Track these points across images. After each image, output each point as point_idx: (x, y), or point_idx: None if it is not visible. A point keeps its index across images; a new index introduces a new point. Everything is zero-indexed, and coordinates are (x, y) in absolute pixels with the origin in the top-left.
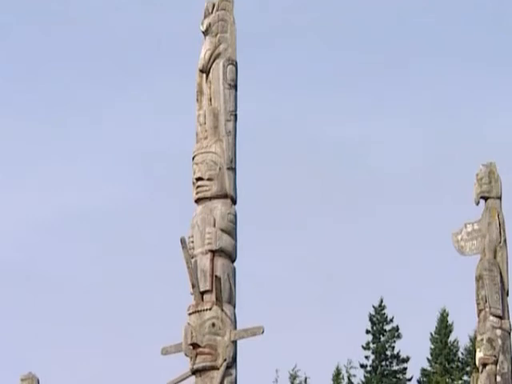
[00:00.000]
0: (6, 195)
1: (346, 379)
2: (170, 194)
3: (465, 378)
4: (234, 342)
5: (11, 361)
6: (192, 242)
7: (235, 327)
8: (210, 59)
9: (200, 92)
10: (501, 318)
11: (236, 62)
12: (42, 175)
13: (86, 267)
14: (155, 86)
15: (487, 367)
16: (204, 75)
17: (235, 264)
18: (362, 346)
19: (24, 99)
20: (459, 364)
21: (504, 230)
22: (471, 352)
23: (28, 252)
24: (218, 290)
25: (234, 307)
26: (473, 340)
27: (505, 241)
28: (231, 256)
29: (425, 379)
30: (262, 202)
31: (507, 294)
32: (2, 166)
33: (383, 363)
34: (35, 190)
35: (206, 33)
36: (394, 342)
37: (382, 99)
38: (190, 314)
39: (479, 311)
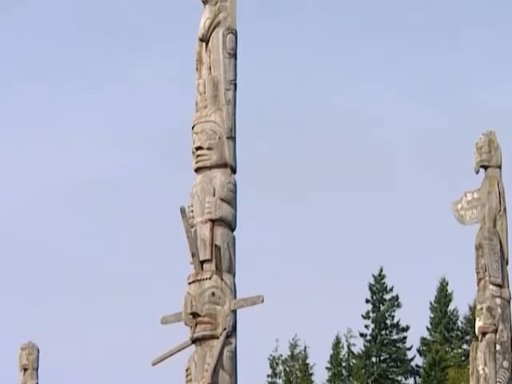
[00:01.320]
0: (4, 166)
1: (345, 348)
2: (169, 164)
3: (464, 346)
4: (234, 311)
5: (11, 330)
6: (192, 211)
7: (235, 296)
8: (209, 28)
9: (200, 61)
10: (500, 286)
11: (236, 31)
12: (40, 146)
13: (86, 237)
14: (155, 55)
15: (487, 336)
16: (204, 44)
17: (235, 233)
18: (362, 316)
19: (25, 70)
20: (459, 333)
21: (504, 199)
22: (471, 321)
23: (29, 222)
24: (218, 259)
25: (234, 276)
26: (472, 309)
27: (504, 209)
28: (231, 225)
29: (424, 348)
30: (262, 172)
31: (507, 263)
32: (3, 135)
33: (383, 332)
34: (33, 161)
35: (205, 1)
36: (394, 311)
37: (382, 70)
38: (189, 284)
39: (479, 280)
